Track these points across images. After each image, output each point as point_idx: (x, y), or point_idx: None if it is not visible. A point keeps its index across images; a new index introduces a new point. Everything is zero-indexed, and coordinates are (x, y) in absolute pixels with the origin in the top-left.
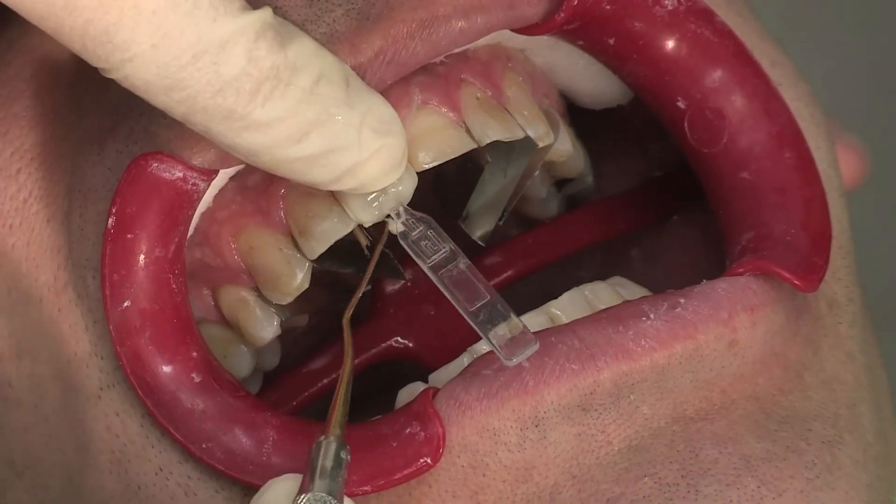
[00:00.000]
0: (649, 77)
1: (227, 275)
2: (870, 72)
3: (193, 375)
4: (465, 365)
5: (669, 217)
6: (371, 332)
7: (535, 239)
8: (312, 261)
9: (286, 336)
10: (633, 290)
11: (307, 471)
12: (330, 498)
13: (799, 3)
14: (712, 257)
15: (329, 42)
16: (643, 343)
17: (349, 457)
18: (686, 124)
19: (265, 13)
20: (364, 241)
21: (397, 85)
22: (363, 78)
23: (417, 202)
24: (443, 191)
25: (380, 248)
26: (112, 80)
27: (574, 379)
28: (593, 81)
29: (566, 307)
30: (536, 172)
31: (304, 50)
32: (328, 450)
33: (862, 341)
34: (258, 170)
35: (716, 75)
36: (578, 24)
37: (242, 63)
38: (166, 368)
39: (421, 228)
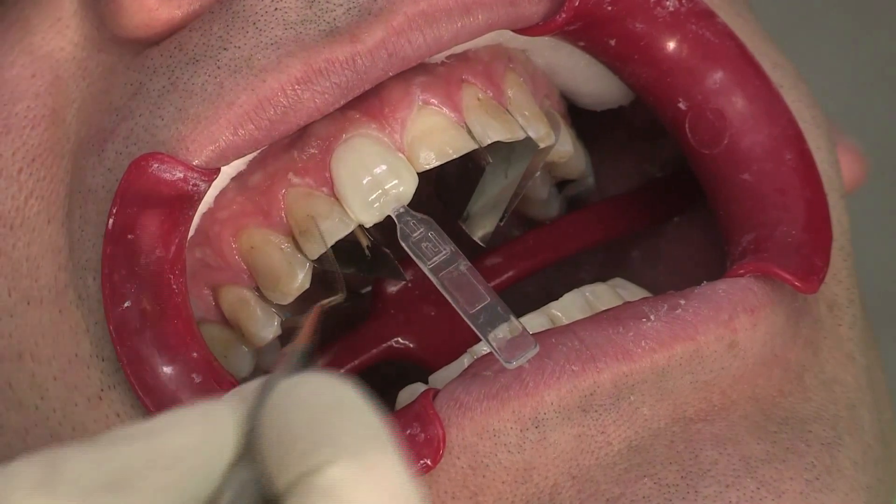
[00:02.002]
0: (650, 78)
1: (228, 275)
2: (870, 73)
3: (194, 376)
4: (466, 366)
5: (670, 218)
6: (372, 332)
7: (536, 240)
8: (313, 261)
9: (287, 336)
10: (633, 292)
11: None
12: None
13: (799, 4)
14: (713, 258)
15: (329, 35)
16: (643, 344)
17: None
18: (687, 125)
19: None
20: (365, 242)
21: (399, 85)
22: (365, 71)
23: (418, 203)
24: (444, 191)
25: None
26: (113, 82)
27: (574, 380)
28: (594, 82)
29: (567, 308)
30: (537, 173)
31: None
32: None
33: (862, 343)
34: (259, 170)
35: (717, 77)
36: (580, 24)
37: None
38: (167, 369)
39: (422, 230)
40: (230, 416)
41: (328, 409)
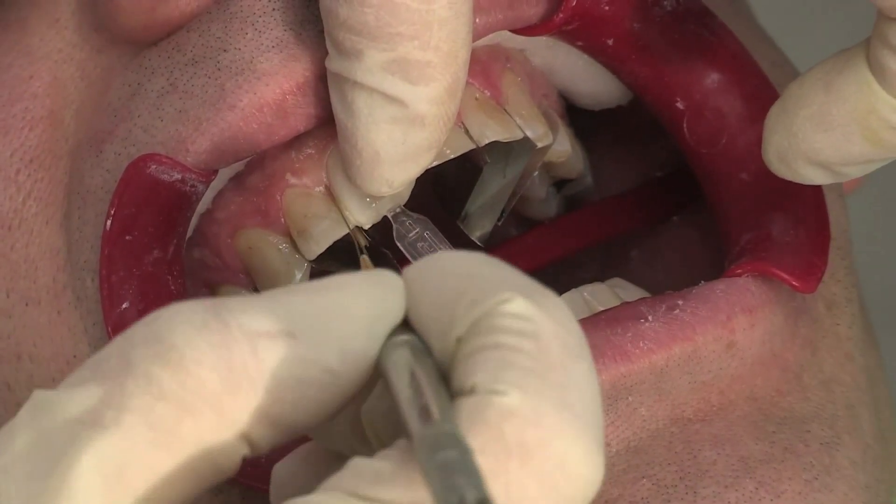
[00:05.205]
0: (648, 77)
1: (226, 275)
2: None
3: None
4: None
5: (669, 218)
6: None
7: (534, 240)
8: (311, 261)
9: None
10: (631, 292)
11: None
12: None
13: (799, 3)
14: (711, 258)
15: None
16: (641, 345)
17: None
18: (685, 125)
19: None
20: (362, 242)
21: None
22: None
23: (415, 203)
24: (441, 191)
25: None
26: (111, 83)
27: None
28: (592, 82)
29: None
30: (535, 173)
31: None
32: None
33: (861, 342)
34: (257, 170)
35: (715, 76)
36: (577, 24)
37: None
38: None
39: (417, 230)
40: (396, 281)
41: (480, 265)
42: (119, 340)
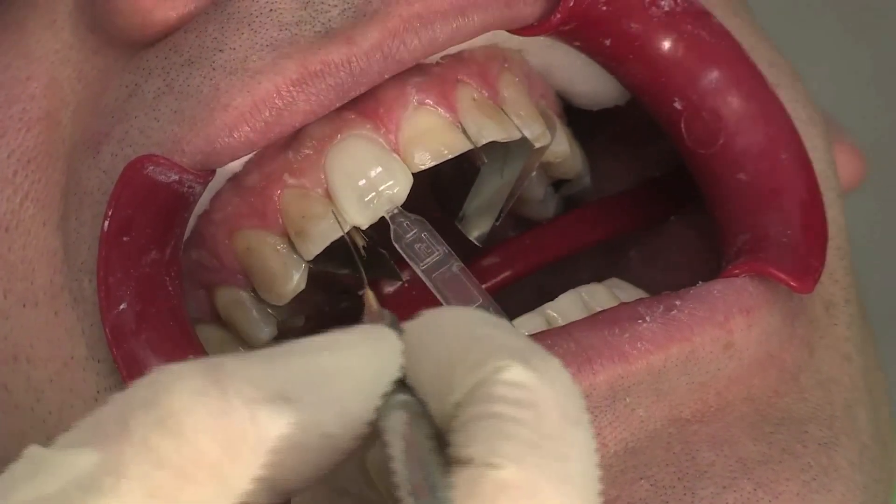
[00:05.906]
0: (646, 78)
1: (224, 276)
2: (869, 73)
3: None
4: None
5: (667, 218)
6: None
7: (533, 240)
8: (308, 262)
9: (283, 338)
10: (629, 292)
11: None
12: None
13: (798, 3)
14: (709, 258)
15: (325, 36)
16: (639, 346)
17: None
18: (683, 125)
19: None
20: (360, 242)
21: (394, 85)
22: (361, 73)
23: (413, 203)
24: (439, 191)
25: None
26: (108, 84)
27: None
28: (590, 82)
29: (563, 309)
30: (533, 173)
31: None
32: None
33: (859, 342)
34: (255, 171)
35: (712, 76)
36: (575, 24)
37: None
38: None
39: (415, 231)
40: (393, 339)
41: (480, 325)
42: (117, 402)
